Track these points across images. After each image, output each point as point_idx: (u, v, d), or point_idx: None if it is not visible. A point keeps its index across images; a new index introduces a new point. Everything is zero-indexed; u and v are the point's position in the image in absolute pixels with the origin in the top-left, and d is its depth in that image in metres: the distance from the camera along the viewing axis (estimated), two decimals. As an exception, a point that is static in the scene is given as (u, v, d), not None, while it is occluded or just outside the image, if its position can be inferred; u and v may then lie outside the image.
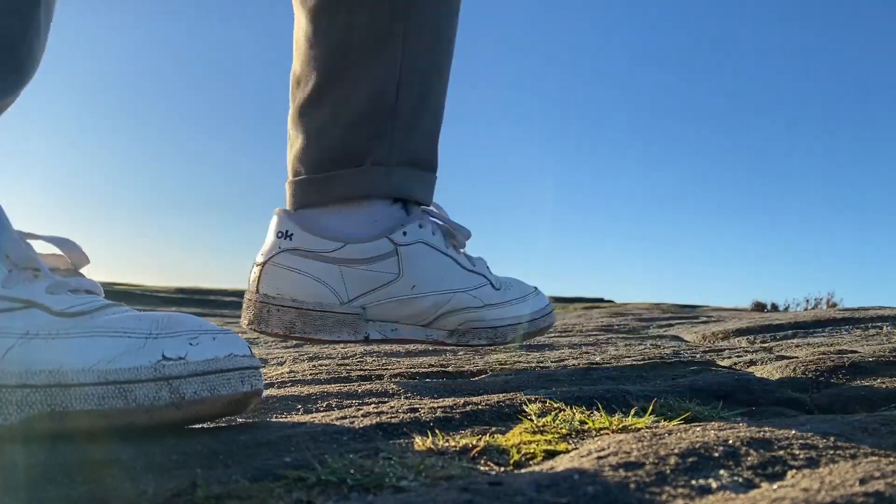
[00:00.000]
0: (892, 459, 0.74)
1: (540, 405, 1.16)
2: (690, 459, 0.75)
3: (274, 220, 1.12)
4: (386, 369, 1.72)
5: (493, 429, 1.02)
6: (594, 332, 2.81)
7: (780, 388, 1.43)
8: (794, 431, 0.86)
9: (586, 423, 1.02)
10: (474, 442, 0.91)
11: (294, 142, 1.13)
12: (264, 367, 1.87)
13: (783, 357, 1.92)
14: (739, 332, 2.70)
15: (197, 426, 1.00)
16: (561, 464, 0.78)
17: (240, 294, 5.40)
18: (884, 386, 1.41)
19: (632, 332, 2.89)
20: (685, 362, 1.87)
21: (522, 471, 0.79)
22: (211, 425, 1.06)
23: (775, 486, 0.67)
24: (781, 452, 0.78)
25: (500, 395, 1.23)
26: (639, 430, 0.95)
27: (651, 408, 1.16)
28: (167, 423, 0.79)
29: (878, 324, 2.79)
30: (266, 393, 1.32)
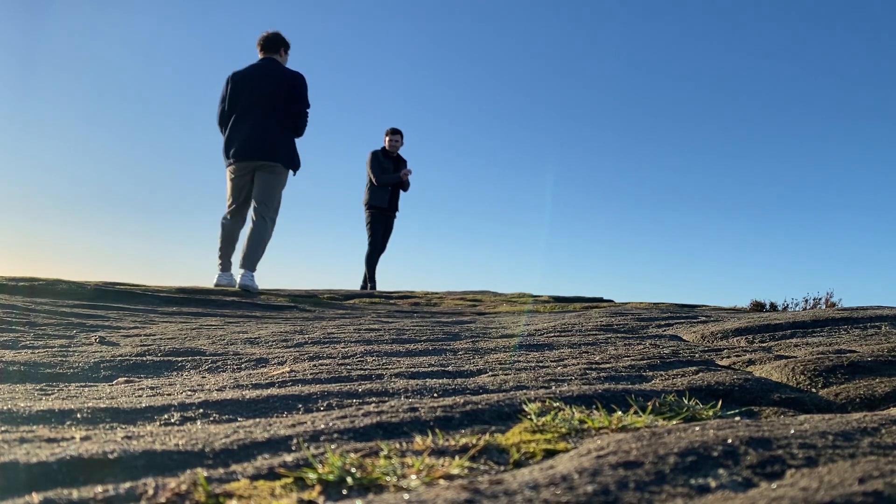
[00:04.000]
0: (890, 459, 0.74)
1: (539, 404, 1.16)
2: (689, 458, 0.75)
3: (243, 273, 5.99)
4: (386, 369, 1.72)
5: (493, 428, 1.03)
6: (594, 332, 2.81)
7: (778, 387, 1.43)
8: (792, 431, 0.87)
9: (586, 423, 1.02)
10: (474, 441, 0.91)
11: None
12: (265, 366, 1.87)
13: (782, 357, 1.93)
14: (738, 332, 2.71)
15: (197, 425, 1.00)
16: (560, 463, 0.79)
17: (240, 294, 5.39)
18: (882, 385, 1.41)
19: (631, 332, 2.90)
20: (684, 362, 1.87)
21: (522, 470, 0.79)
22: (211, 424, 1.06)
23: (774, 486, 0.67)
24: (780, 452, 0.78)
25: (500, 395, 1.23)
26: (638, 429, 0.95)
27: (650, 407, 1.16)
28: None
29: (877, 323, 2.80)
30: (267, 392, 1.32)
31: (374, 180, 8.39)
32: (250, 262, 5.79)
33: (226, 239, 6.12)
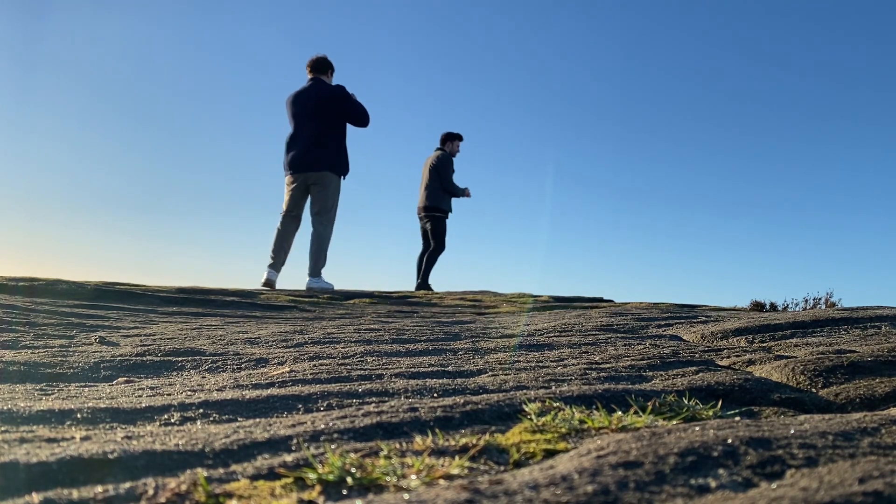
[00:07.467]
0: (890, 459, 0.74)
1: (539, 404, 1.16)
2: (689, 458, 0.75)
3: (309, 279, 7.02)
4: (386, 369, 1.72)
5: (493, 428, 1.03)
6: (594, 332, 2.81)
7: (778, 387, 1.43)
8: (792, 431, 0.87)
9: (586, 423, 1.02)
10: (474, 441, 0.91)
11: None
12: (265, 366, 1.87)
13: (782, 357, 1.93)
14: (738, 332, 2.71)
15: (197, 425, 1.00)
16: (560, 463, 0.79)
17: (240, 294, 5.39)
18: (882, 385, 1.41)
19: (631, 332, 2.90)
20: (684, 362, 1.87)
21: (522, 470, 0.79)
22: (211, 424, 1.06)
23: (774, 486, 0.67)
24: (780, 452, 0.78)
25: (500, 395, 1.23)
26: (638, 429, 0.95)
27: (650, 407, 1.16)
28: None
29: (877, 323, 2.80)
30: (267, 392, 1.32)
31: (450, 187, 8.46)
32: (314, 269, 6.66)
33: (277, 241, 6.82)
